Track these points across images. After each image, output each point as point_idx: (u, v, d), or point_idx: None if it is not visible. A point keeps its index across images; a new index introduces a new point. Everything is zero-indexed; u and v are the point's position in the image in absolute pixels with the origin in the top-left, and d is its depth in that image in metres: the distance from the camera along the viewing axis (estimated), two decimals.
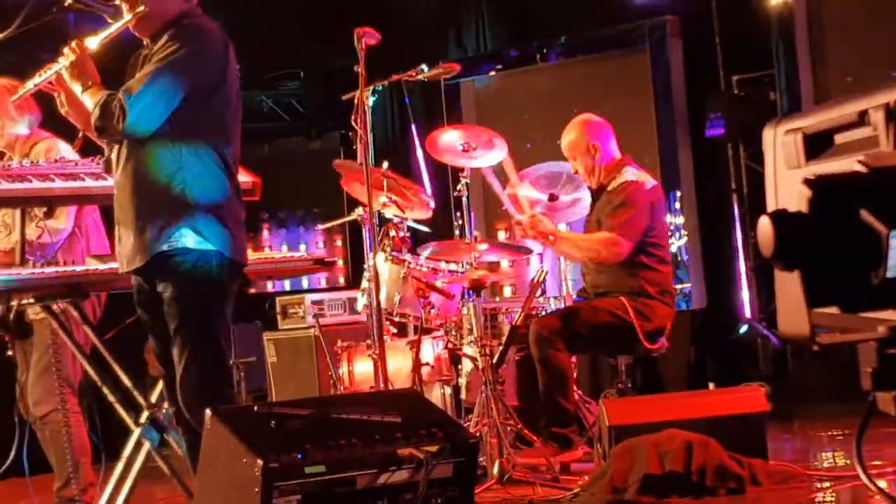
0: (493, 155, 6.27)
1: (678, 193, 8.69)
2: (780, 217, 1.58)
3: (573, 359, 5.93)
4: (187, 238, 4.08)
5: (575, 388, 5.90)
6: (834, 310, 1.63)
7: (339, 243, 10.42)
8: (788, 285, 1.66)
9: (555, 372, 5.68)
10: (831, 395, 7.35)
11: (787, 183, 1.86)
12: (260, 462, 3.39)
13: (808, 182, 1.56)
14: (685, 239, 8.72)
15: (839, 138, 1.80)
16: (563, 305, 6.24)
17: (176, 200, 4.10)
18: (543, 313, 6.12)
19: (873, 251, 1.56)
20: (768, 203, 1.88)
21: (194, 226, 4.09)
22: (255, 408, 3.75)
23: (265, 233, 10.72)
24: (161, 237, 4.08)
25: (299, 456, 3.46)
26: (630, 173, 5.93)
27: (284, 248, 10.46)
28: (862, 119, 1.73)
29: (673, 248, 8.33)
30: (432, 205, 6.88)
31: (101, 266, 4.59)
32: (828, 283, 1.60)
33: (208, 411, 3.63)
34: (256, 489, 3.39)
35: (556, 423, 5.67)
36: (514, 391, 6.17)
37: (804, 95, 7.83)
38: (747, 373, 8.29)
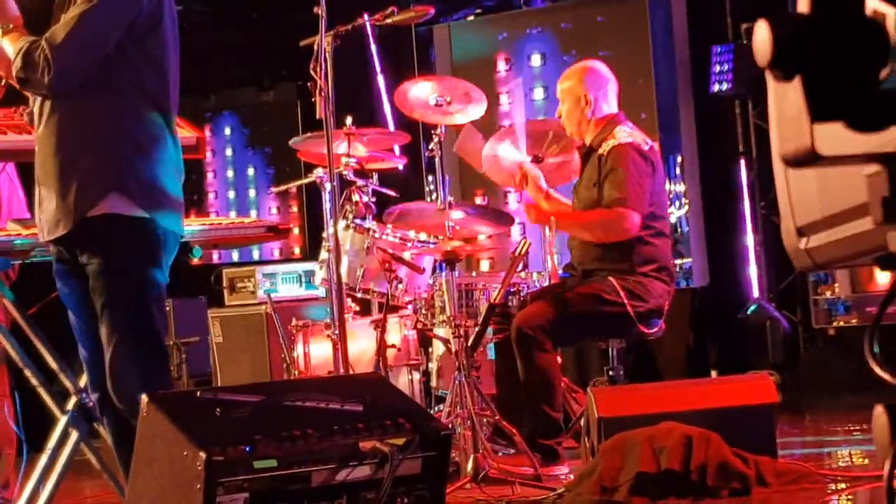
0: (470, 111, 6.26)
1: (678, 157, 8.71)
2: (778, 19, 1.58)
3: (559, 357, 5.94)
4: (118, 202, 4.04)
5: (561, 380, 5.91)
6: (839, 132, 1.62)
7: (294, 209, 10.43)
8: (789, 94, 1.66)
9: (540, 376, 5.68)
10: (848, 386, 7.41)
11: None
12: (203, 455, 3.37)
13: None
14: (686, 208, 8.74)
15: None
16: (547, 282, 6.24)
17: (105, 159, 4.06)
18: (526, 291, 6.12)
19: (881, 46, 1.57)
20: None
21: (126, 188, 4.05)
22: (198, 393, 3.73)
23: (210, 196, 10.70)
24: (87, 201, 4.04)
25: (247, 448, 3.44)
26: (623, 133, 5.92)
27: (232, 213, 10.46)
28: None
29: (672, 219, 8.35)
30: (401, 167, 6.90)
31: (24, 232, 4.56)
32: (832, 90, 1.60)
33: (144, 397, 3.61)
34: (199, 485, 3.37)
35: (541, 433, 5.68)
36: (492, 378, 6.18)
37: None
38: (754, 360, 8.34)
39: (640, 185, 5.79)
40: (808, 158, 1.66)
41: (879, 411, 1.75)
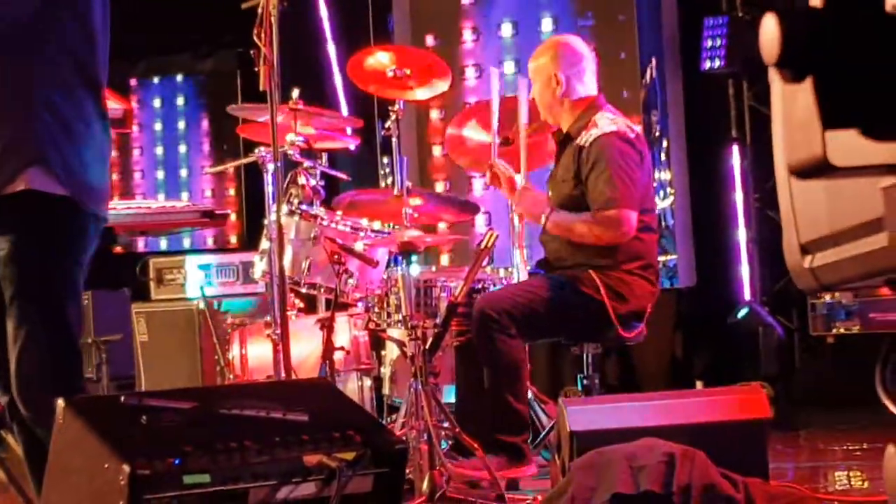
0: (432, 85, 6.27)
1: (664, 142, 8.74)
2: (788, 14, 1.58)
3: (526, 347, 5.95)
4: (38, 178, 4.04)
5: (528, 383, 5.93)
6: (853, 140, 1.63)
7: (231, 192, 10.41)
8: (799, 97, 1.66)
9: (504, 364, 5.69)
10: (847, 400, 7.45)
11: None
12: (126, 468, 3.37)
13: None
14: (671, 199, 8.79)
15: None
16: (515, 279, 6.26)
17: (21, 129, 4.05)
18: (493, 288, 6.13)
19: None
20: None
21: (45, 163, 4.04)
22: (122, 399, 3.72)
23: (136, 175, 10.67)
24: (5, 175, 4.03)
25: (177, 461, 3.45)
26: (605, 121, 5.92)
27: (161, 196, 10.43)
28: None
29: (657, 210, 8.38)
30: (353, 147, 6.90)
31: None
32: (847, 94, 1.60)
33: (61, 402, 3.60)
34: (121, 502, 3.37)
35: (505, 429, 5.69)
36: (452, 386, 6.19)
37: None
38: (745, 370, 8.39)
39: (631, 179, 5.80)
40: (818, 169, 1.66)
41: (892, 452, 1.76)
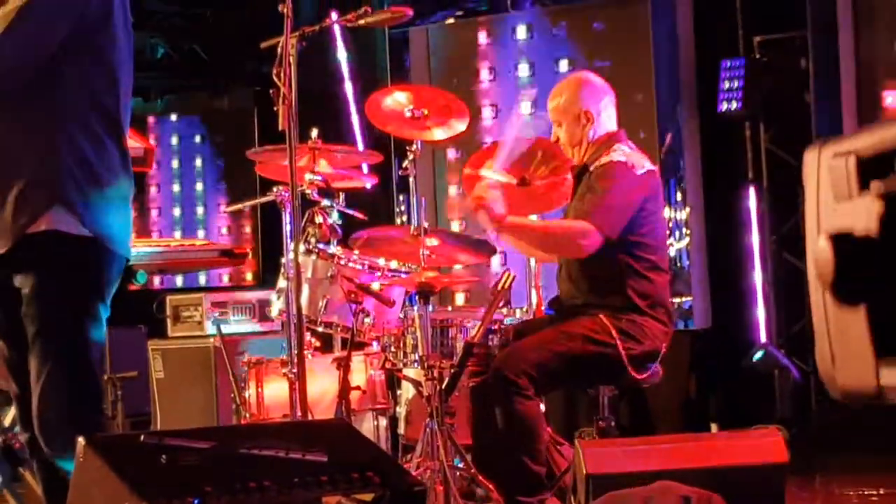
0: (449, 125, 6.29)
1: (680, 182, 8.76)
2: (843, 238, 1.59)
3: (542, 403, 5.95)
4: (56, 219, 4.06)
5: (545, 430, 5.93)
6: None
7: (247, 230, 10.43)
8: (851, 324, 1.67)
9: (521, 426, 5.66)
10: (865, 445, 7.43)
11: (833, 219, 1.87)
12: None
13: (880, 196, 1.57)
14: (687, 240, 8.79)
15: None
16: (531, 318, 6.27)
17: (47, 170, 4.08)
18: (509, 321, 6.13)
19: None
20: (808, 245, 1.89)
21: (67, 203, 4.07)
22: (142, 437, 3.73)
23: (153, 213, 10.70)
24: (28, 216, 4.06)
25: (196, 501, 3.46)
26: (619, 152, 5.94)
27: (177, 233, 10.44)
28: None
29: (671, 252, 8.39)
30: (370, 186, 6.93)
31: None
32: None
33: (81, 440, 3.62)
34: None
35: (521, 490, 5.68)
36: (467, 426, 6.19)
37: (843, 63, 7.90)
38: (761, 412, 8.37)
39: (620, 210, 5.79)
40: (872, 397, 1.67)
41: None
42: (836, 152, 1.93)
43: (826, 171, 1.93)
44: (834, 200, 1.89)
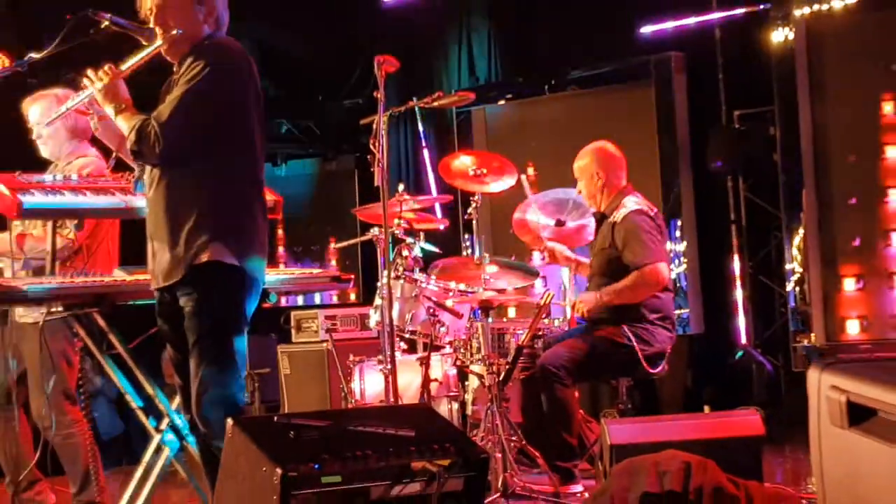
0: (503, 180, 6.31)
1: (679, 222, 8.70)
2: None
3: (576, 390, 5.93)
4: (218, 250, 4.08)
5: (578, 412, 5.90)
6: None
7: (348, 262, 10.42)
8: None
9: (560, 408, 5.69)
10: None
11: (831, 439, 1.84)
12: (279, 470, 3.40)
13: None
14: (684, 266, 8.73)
15: (883, 414, 1.76)
16: (566, 328, 6.26)
17: (207, 216, 4.11)
18: (549, 335, 6.13)
19: None
20: (812, 455, 1.85)
21: (224, 239, 4.09)
22: (275, 418, 3.76)
23: (279, 249, 10.73)
24: (196, 251, 4.09)
25: (316, 466, 3.47)
26: (632, 202, 5.96)
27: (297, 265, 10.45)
28: None
29: (673, 275, 8.34)
30: (443, 227, 6.94)
31: (128, 277, 4.62)
32: None
33: (230, 421, 3.64)
34: (275, 496, 3.40)
35: (559, 456, 5.68)
36: (519, 408, 6.18)
37: (803, 129, 7.84)
38: (742, 398, 8.28)
39: (653, 242, 5.83)
40: None
41: None
42: (832, 385, 1.89)
43: (824, 399, 1.90)
44: (830, 423, 1.87)
